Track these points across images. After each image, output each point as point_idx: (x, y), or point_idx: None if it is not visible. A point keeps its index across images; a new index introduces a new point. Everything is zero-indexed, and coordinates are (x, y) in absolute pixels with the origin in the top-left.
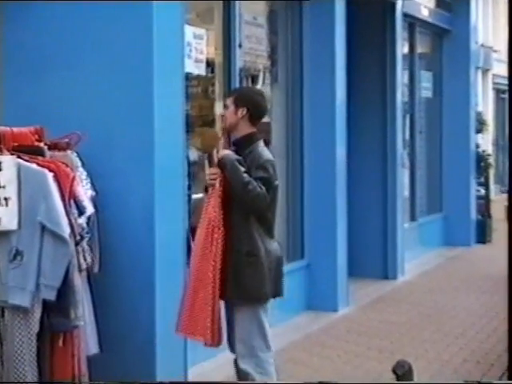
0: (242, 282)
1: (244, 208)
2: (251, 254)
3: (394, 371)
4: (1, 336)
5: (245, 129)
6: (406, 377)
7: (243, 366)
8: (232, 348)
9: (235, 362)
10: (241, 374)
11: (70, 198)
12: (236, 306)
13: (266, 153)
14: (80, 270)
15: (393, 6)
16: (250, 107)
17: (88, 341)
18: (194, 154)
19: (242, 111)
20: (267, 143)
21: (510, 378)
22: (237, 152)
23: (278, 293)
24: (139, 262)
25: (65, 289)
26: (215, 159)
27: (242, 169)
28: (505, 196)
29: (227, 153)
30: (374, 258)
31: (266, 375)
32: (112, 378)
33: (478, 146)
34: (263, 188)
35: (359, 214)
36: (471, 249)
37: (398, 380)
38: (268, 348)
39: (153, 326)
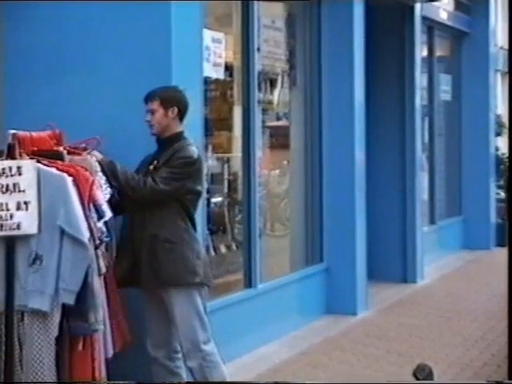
0: (160, 269)
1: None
2: (170, 241)
3: (415, 375)
4: (20, 340)
5: (174, 128)
6: (426, 380)
7: (189, 363)
8: (154, 347)
9: (155, 360)
10: (192, 372)
11: (89, 202)
12: (173, 303)
13: (188, 150)
14: (100, 274)
15: (412, 9)
16: (180, 106)
17: (106, 343)
18: (212, 158)
19: (173, 111)
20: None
21: (510, 378)
22: (159, 151)
23: (207, 283)
24: None
25: (84, 293)
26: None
27: (119, 168)
28: None
29: (102, 156)
30: (393, 261)
31: (215, 367)
32: (129, 378)
33: (497, 149)
34: (158, 181)
35: (378, 217)
36: (491, 252)
37: None
38: (209, 339)
39: None
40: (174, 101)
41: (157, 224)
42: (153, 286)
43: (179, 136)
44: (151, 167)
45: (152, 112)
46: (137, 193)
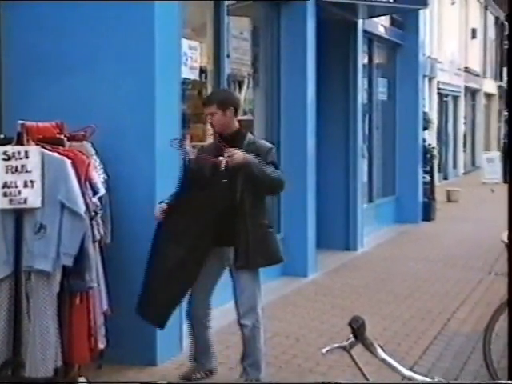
0: (269, 250)
1: (267, 192)
2: (270, 226)
3: (350, 325)
4: (28, 295)
5: (233, 125)
6: (359, 330)
7: (245, 321)
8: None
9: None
10: (243, 328)
11: (85, 180)
12: (243, 273)
13: (264, 142)
14: (94, 241)
15: (355, 24)
16: (235, 105)
17: (102, 299)
18: (189, 146)
19: (231, 111)
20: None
21: (510, 378)
22: (232, 146)
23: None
24: (143, 233)
25: (81, 256)
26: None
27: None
28: (445, 182)
29: (246, 154)
30: (338, 232)
31: (260, 329)
32: (122, 330)
33: (424, 141)
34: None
35: (326, 195)
36: (418, 225)
37: (353, 332)
38: (261, 307)
39: None
40: (229, 102)
41: (258, 213)
42: (263, 265)
43: (241, 131)
44: (222, 159)
45: (211, 114)
46: (277, 182)
